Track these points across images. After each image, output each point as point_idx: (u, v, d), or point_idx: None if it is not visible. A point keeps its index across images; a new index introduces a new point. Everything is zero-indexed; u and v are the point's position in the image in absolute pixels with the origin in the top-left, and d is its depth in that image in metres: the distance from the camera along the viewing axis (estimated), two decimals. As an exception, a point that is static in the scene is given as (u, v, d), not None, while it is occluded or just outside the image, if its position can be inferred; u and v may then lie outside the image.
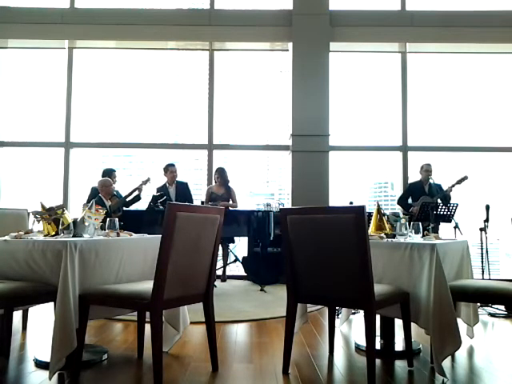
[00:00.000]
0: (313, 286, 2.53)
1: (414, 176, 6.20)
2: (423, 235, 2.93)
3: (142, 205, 5.84)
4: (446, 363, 2.64)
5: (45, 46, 6.89)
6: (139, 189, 5.72)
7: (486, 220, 4.65)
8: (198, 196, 6.27)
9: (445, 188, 5.65)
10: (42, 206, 2.81)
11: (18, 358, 2.77)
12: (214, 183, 6.13)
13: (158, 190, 5.87)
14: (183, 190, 5.86)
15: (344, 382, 2.48)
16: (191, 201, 5.80)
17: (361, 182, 7.06)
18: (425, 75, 6.90)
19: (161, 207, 5.25)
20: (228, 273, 6.30)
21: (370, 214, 3.12)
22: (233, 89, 7.01)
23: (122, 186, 6.06)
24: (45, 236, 2.67)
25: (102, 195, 5.40)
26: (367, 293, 2.30)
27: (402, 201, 5.96)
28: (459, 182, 5.58)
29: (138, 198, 5.75)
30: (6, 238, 2.61)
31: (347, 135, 6.84)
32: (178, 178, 6.01)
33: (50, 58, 6.99)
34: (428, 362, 2.75)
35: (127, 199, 5.68)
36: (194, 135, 6.95)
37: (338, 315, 3.57)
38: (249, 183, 6.98)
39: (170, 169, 5.93)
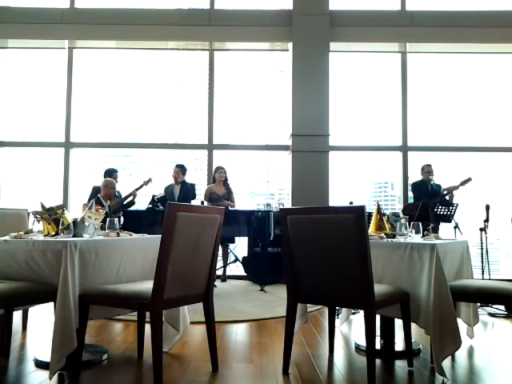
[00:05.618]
0: (313, 285, 2.53)
1: (414, 176, 6.19)
2: (423, 235, 2.93)
3: (142, 205, 5.85)
4: (446, 363, 2.64)
5: (45, 45, 6.89)
6: (134, 194, 5.85)
7: (486, 220, 4.64)
8: (198, 196, 6.26)
9: (446, 187, 5.63)
10: (42, 206, 2.80)
11: (18, 358, 2.77)
12: (212, 182, 6.11)
13: (165, 188, 5.99)
14: (186, 190, 5.89)
15: (344, 381, 2.48)
16: (188, 201, 5.81)
17: (361, 182, 7.06)
18: (425, 75, 6.90)
19: (161, 207, 5.26)
20: (228, 273, 6.30)
21: (370, 214, 3.12)
22: (233, 89, 7.01)
23: (122, 186, 6.07)
24: (45, 236, 2.67)
25: (102, 195, 5.37)
26: (367, 293, 2.30)
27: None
28: (463, 183, 5.55)
29: (131, 203, 5.87)
30: (6, 237, 2.61)
31: (347, 135, 6.84)
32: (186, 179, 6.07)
33: (50, 58, 6.99)
34: (428, 361, 2.75)
35: (124, 202, 5.77)
36: (194, 135, 6.94)
37: (338, 315, 3.57)
38: (249, 183, 6.97)
39: (174, 169, 6.01)
